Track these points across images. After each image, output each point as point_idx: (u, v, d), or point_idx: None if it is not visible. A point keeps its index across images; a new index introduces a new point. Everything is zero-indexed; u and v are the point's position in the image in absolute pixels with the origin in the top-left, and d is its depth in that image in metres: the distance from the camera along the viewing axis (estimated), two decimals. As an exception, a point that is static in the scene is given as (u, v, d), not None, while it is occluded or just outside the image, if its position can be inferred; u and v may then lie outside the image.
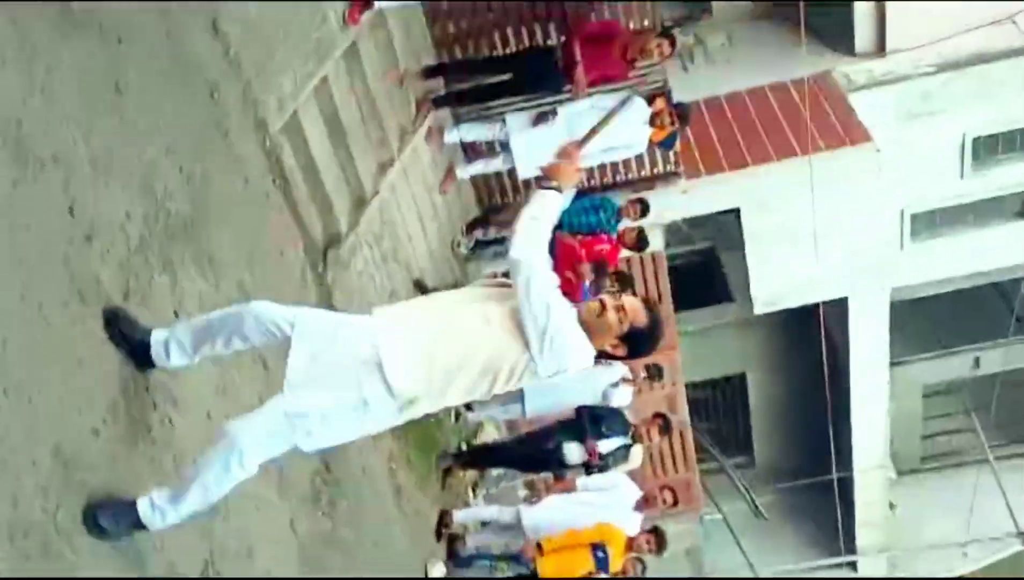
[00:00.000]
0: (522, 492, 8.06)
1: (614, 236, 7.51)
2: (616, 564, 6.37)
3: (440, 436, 7.60)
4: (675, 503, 7.14)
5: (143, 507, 2.91)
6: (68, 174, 3.08)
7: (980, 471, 13.18)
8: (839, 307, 10.99)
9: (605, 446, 6.77)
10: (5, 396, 2.54)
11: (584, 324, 3.02)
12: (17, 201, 2.77)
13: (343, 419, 2.99)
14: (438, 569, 6.61)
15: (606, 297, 3.12)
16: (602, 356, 3.18)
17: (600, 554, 6.35)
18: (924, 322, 13.04)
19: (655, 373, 7.73)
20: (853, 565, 13.59)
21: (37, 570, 2.51)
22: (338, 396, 2.95)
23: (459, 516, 7.38)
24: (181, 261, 3.80)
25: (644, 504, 6.94)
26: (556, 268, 3.31)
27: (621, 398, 7.45)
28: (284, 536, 4.26)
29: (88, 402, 2.92)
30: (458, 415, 7.99)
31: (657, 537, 6.45)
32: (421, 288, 7.19)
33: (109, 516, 2.84)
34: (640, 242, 7.53)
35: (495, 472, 8.18)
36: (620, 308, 3.04)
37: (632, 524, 6.99)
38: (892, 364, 11.91)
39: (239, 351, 3.39)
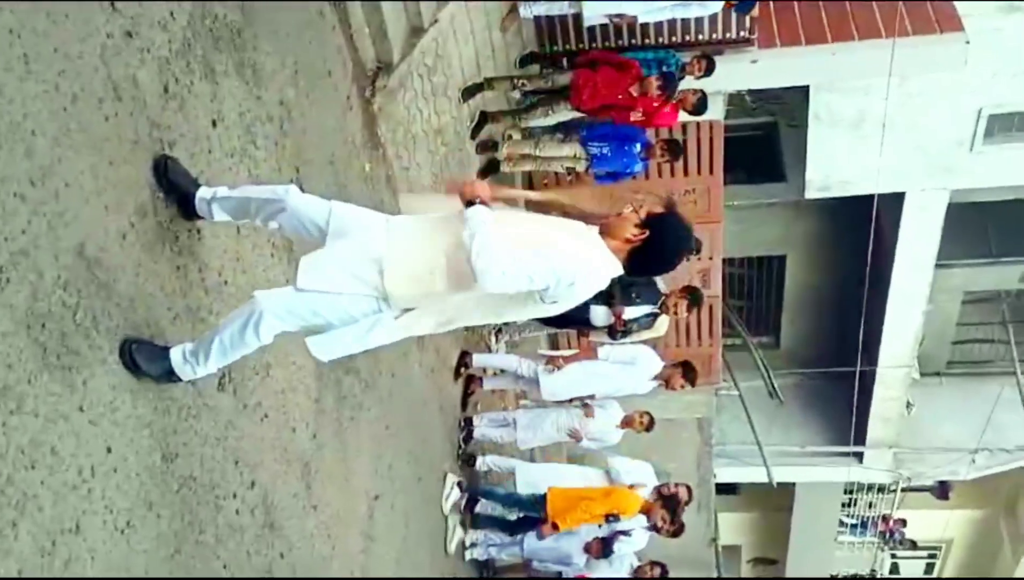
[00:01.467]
0: (543, 352, 8.05)
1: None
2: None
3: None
4: (693, 384, 7.16)
5: (176, 357, 3.04)
6: (113, -38, 2.93)
7: (1004, 383, 13.12)
8: (894, 201, 10.64)
9: (632, 312, 6.72)
10: (32, 185, 2.49)
11: (605, 223, 3.11)
12: (55, -16, 2.64)
13: (347, 310, 3.02)
14: (453, 496, 6.77)
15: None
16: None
17: (611, 520, 6.51)
18: (977, 227, 12.65)
19: (694, 246, 7.58)
20: (859, 456, 13.77)
21: (51, 363, 2.53)
22: (348, 284, 2.99)
23: (478, 359, 7.47)
24: (224, 70, 3.68)
25: (662, 381, 6.96)
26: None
27: None
28: (302, 357, 4.29)
29: (116, 204, 2.87)
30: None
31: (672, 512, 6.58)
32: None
33: (145, 357, 2.93)
34: (699, 106, 7.21)
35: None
36: (636, 208, 3.11)
37: (645, 388, 7.02)
38: (937, 265, 11.63)
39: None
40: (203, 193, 3.25)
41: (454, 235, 2.97)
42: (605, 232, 3.13)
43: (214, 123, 3.56)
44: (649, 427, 7.12)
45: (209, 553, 3.34)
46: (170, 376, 3.05)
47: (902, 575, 19.92)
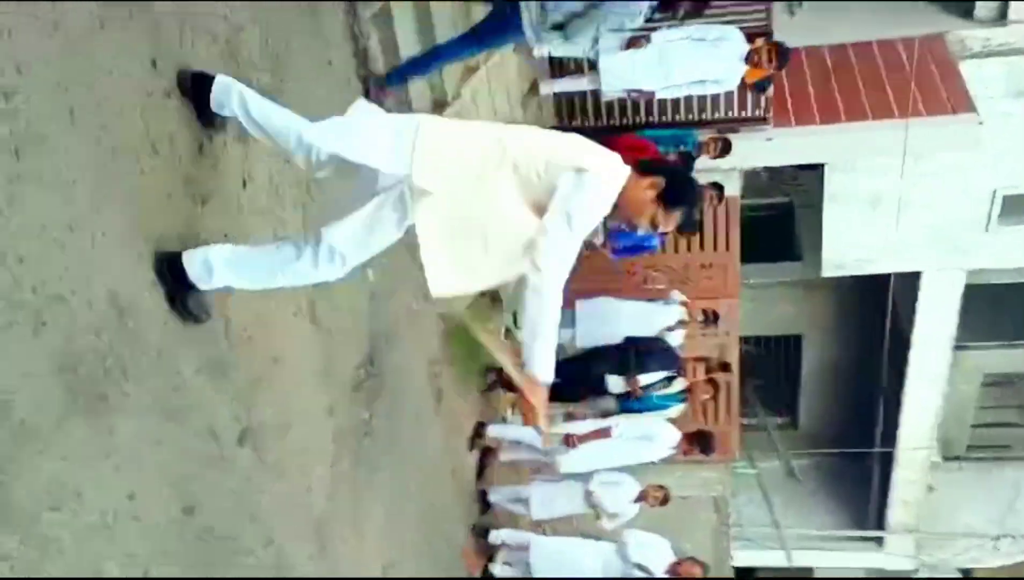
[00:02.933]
0: (562, 425, 7.99)
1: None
2: None
3: (486, 349, 7.63)
4: (708, 454, 7.11)
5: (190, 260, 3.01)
6: (155, 25, 3.06)
7: (1025, 469, 12.95)
8: (909, 281, 10.68)
9: (647, 378, 6.73)
10: (70, 232, 2.57)
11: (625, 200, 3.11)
12: (103, 43, 2.76)
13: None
14: None
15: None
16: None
17: None
18: (994, 309, 12.61)
19: (711, 318, 7.63)
20: (879, 540, 13.49)
21: (80, 407, 2.57)
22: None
23: (494, 430, 7.45)
24: (256, 132, 3.79)
25: (681, 448, 6.92)
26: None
27: (675, 340, 7.38)
28: (321, 418, 4.33)
29: (149, 255, 2.95)
30: (508, 331, 8.00)
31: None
32: None
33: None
34: (724, 150, 7.31)
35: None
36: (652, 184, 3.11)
37: (663, 456, 6.97)
38: (955, 347, 11.58)
39: None
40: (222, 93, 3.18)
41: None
42: (629, 211, 3.16)
43: (244, 183, 3.67)
44: (664, 502, 7.04)
45: (223, 609, 3.32)
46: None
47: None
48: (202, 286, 3.05)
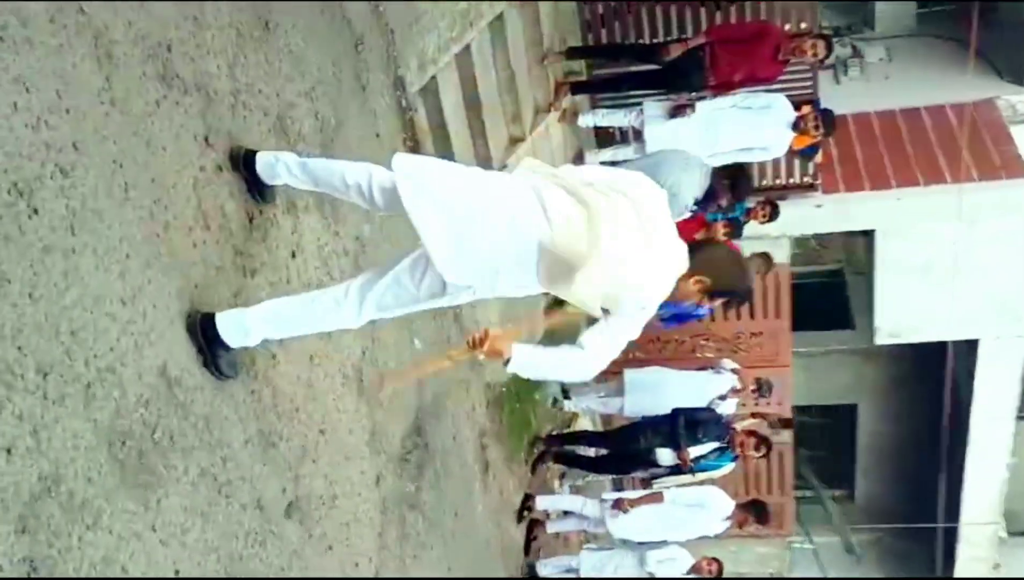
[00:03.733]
0: (608, 495, 7.86)
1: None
2: None
3: (534, 419, 7.56)
4: (764, 525, 6.91)
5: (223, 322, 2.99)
6: (208, 103, 3.13)
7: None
8: (967, 348, 10.40)
9: (697, 451, 6.59)
10: (123, 305, 2.59)
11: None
12: (157, 120, 2.83)
13: None
14: None
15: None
16: None
17: None
18: (1059, 378, 12.22)
19: (764, 388, 7.48)
20: (944, 620, 12.93)
21: (128, 481, 2.56)
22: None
23: (542, 502, 7.33)
24: (305, 205, 3.84)
25: (735, 520, 6.74)
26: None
27: (727, 409, 7.24)
28: (368, 490, 4.27)
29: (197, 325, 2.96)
30: (555, 401, 7.93)
31: None
32: None
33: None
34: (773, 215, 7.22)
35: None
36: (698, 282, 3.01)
37: (716, 530, 6.79)
38: (1018, 417, 11.20)
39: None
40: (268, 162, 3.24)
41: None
42: (676, 297, 3.07)
43: (293, 254, 3.70)
44: (719, 574, 6.83)
45: None
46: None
47: None
48: (236, 345, 3.03)
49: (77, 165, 2.46)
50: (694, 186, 5.40)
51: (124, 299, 2.61)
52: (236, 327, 2.98)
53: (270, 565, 3.33)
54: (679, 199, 5.24)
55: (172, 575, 2.73)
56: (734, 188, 5.79)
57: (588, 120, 7.48)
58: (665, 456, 6.74)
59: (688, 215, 5.81)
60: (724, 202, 5.84)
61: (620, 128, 7.63)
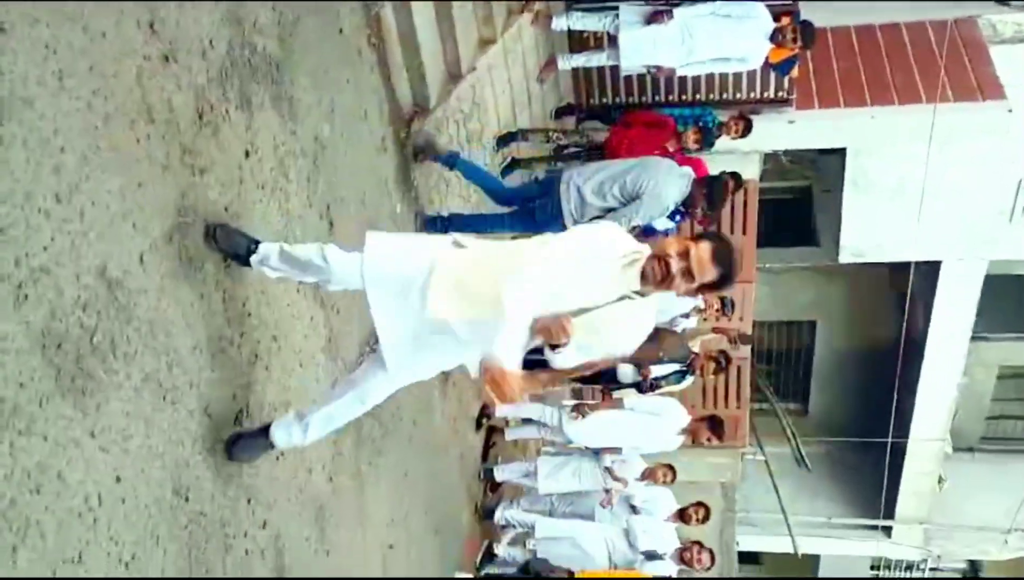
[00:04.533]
0: (568, 402, 7.93)
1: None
2: None
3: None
4: (719, 438, 6.99)
5: (280, 439, 3.38)
6: None
7: (1039, 462, 12.79)
8: (929, 270, 10.48)
9: (659, 370, 6.60)
10: (57, 202, 2.44)
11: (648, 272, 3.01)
12: (97, 5, 2.62)
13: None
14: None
15: (670, 251, 2.98)
16: None
17: None
18: (1014, 300, 12.42)
19: (727, 305, 7.46)
20: (887, 530, 13.38)
21: (64, 386, 2.45)
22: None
23: (501, 409, 7.33)
24: (260, 102, 3.65)
25: (689, 435, 6.82)
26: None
27: (689, 325, 7.24)
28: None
29: (143, 227, 2.82)
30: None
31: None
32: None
33: (244, 447, 3.29)
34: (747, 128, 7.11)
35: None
36: (685, 255, 2.95)
37: (673, 444, 6.87)
38: (972, 338, 11.39)
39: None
40: (256, 258, 3.33)
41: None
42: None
43: (247, 153, 3.53)
44: (672, 480, 6.94)
45: (215, 593, 3.21)
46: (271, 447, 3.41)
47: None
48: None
49: (5, 49, 2.28)
50: (675, 190, 5.57)
51: (59, 196, 2.46)
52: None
53: (219, 471, 3.27)
54: (661, 200, 5.46)
55: (114, 481, 2.66)
56: (710, 196, 5.89)
57: (562, 23, 7.22)
58: (626, 372, 6.75)
59: (671, 225, 6.12)
60: (699, 209, 5.87)
61: (594, 33, 7.38)
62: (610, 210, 5.72)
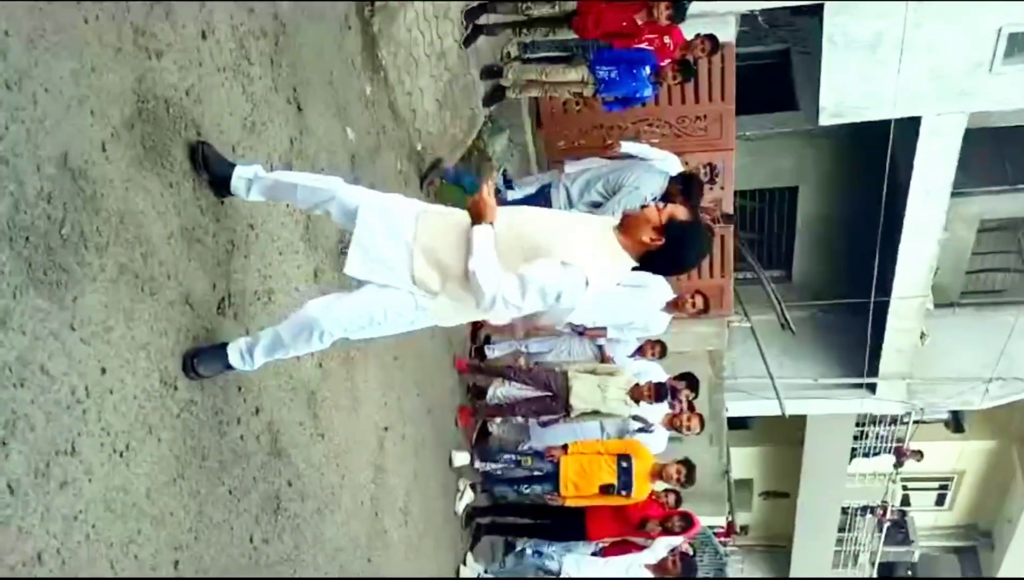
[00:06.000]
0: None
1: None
2: (640, 486, 6.31)
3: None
4: (705, 309, 7.03)
5: (234, 356, 3.24)
6: None
7: (1019, 313, 12.96)
8: (909, 128, 10.37)
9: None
10: (7, 89, 2.34)
11: (625, 218, 3.18)
12: None
13: (398, 313, 3.20)
14: (460, 458, 6.60)
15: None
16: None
17: (624, 464, 6.30)
18: (993, 154, 12.37)
19: (710, 172, 7.41)
20: (872, 388, 13.69)
21: (37, 278, 2.41)
22: (385, 275, 3.16)
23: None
24: (213, -22, 3.48)
25: (674, 307, 6.85)
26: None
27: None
28: (306, 285, 4.19)
29: (101, 113, 2.73)
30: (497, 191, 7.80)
31: (687, 468, 6.35)
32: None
33: (204, 360, 3.15)
34: (713, 48, 7.01)
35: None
36: (659, 209, 3.15)
37: (658, 324, 6.92)
38: (952, 194, 11.38)
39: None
40: (242, 172, 3.30)
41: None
42: (623, 228, 3.18)
43: (203, 35, 3.39)
44: (662, 355, 7.03)
45: (213, 478, 3.25)
46: (229, 369, 3.28)
47: (913, 505, 20.02)
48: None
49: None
50: (654, 186, 6.42)
51: (8, 82, 2.36)
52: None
53: (206, 360, 3.26)
54: (639, 193, 6.30)
55: (99, 372, 2.64)
56: (687, 192, 6.35)
57: None
58: None
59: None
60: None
61: None
62: (596, 205, 6.46)
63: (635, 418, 6.62)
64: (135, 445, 2.80)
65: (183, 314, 3.12)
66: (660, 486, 6.50)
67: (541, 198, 6.66)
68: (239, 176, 3.31)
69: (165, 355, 2.99)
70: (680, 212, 3.17)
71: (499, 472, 6.90)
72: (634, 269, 3.23)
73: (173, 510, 2.98)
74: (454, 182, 6.25)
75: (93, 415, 2.61)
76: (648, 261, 3.20)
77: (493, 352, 7.27)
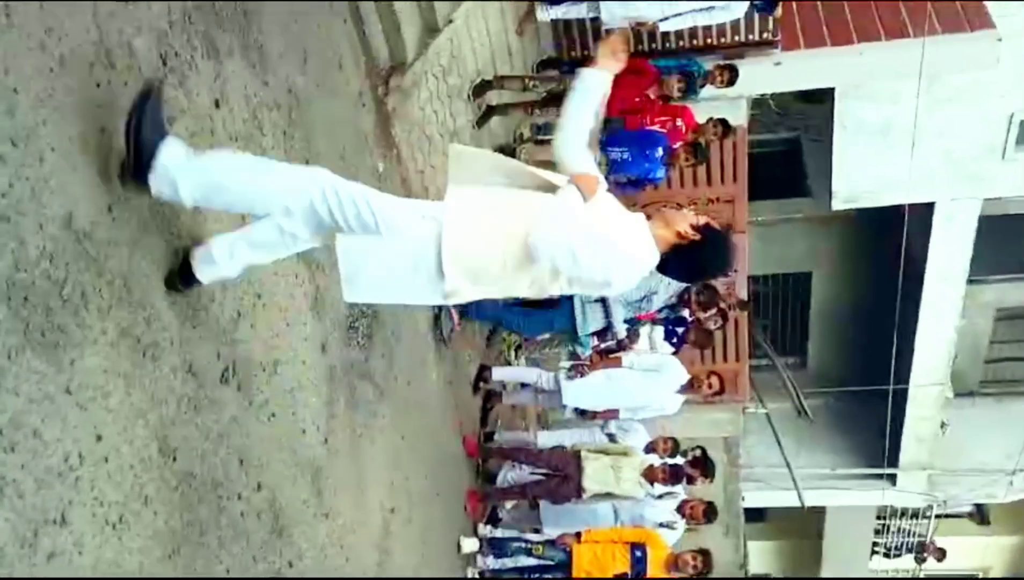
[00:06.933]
0: (565, 363, 7.88)
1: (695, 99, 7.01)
2: (655, 576, 6.13)
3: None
4: (721, 391, 6.92)
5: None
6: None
7: (1041, 403, 12.76)
8: (923, 213, 10.37)
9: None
10: (13, 146, 2.31)
11: (662, 217, 3.08)
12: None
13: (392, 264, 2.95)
14: (469, 544, 6.46)
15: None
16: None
17: (638, 553, 6.14)
18: (1009, 241, 12.33)
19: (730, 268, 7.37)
20: (892, 478, 13.37)
21: (34, 339, 2.33)
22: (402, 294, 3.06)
23: (498, 373, 7.25)
24: (228, 49, 3.51)
25: (689, 388, 6.74)
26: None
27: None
28: (313, 357, 4.10)
29: (109, 175, 2.69)
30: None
31: (704, 556, 6.18)
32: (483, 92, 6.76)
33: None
34: (725, 131, 7.09)
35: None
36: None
37: (673, 405, 6.80)
38: (968, 281, 11.31)
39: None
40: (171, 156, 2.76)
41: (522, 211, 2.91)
42: (660, 219, 3.08)
43: (217, 103, 3.39)
44: (674, 453, 6.85)
45: (211, 555, 3.11)
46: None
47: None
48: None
49: (-55, -18, 2.14)
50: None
51: (15, 140, 2.33)
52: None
53: (207, 432, 3.15)
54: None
55: (95, 439, 2.54)
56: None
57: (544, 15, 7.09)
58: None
59: None
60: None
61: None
62: None
63: (663, 525, 6.44)
64: (129, 517, 2.67)
65: (184, 383, 3.03)
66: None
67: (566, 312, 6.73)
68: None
69: (165, 424, 2.89)
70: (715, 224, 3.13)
71: (508, 567, 6.65)
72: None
73: (167, 589, 2.84)
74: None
75: (86, 484, 2.49)
76: (671, 260, 3.07)
77: (501, 436, 7.12)
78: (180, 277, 2.97)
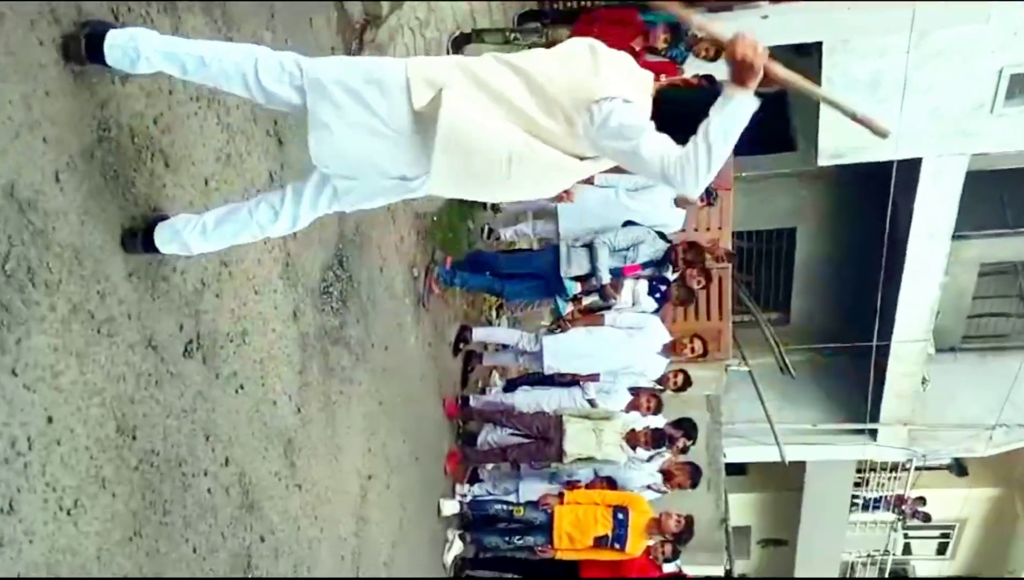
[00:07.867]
0: (547, 321, 7.79)
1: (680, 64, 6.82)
2: (635, 540, 6.06)
3: (467, 247, 7.26)
4: (704, 354, 6.84)
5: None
6: None
7: (1021, 358, 12.75)
8: (910, 169, 10.24)
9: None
10: (-57, 113, 2.14)
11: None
12: None
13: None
14: (449, 507, 6.35)
15: None
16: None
17: (620, 516, 6.05)
18: (994, 197, 12.25)
19: (706, 198, 7.20)
20: (873, 434, 13.43)
21: (-26, 318, 2.19)
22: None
23: (479, 334, 7.14)
24: (188, 4, 3.31)
25: (671, 349, 6.65)
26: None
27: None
28: (284, 325, 3.97)
29: (56, 141, 2.52)
30: (490, 232, 7.62)
31: (686, 522, 6.12)
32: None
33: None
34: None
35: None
36: None
37: (655, 368, 6.71)
38: (953, 237, 11.23)
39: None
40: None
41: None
42: None
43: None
44: (657, 410, 6.79)
45: (176, 535, 3.01)
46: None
47: (915, 554, 19.64)
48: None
49: None
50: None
51: (-53, 104, 2.16)
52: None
53: (170, 407, 3.03)
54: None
55: (45, 421, 2.41)
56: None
57: None
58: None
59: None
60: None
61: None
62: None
63: (650, 487, 6.42)
64: (85, 501, 2.56)
65: (144, 358, 2.90)
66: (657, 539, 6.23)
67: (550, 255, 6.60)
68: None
69: (123, 402, 2.76)
70: None
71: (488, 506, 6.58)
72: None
73: (128, 571, 2.73)
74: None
75: (36, 469, 2.37)
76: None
77: (479, 403, 7.01)
78: (142, 241, 2.84)
